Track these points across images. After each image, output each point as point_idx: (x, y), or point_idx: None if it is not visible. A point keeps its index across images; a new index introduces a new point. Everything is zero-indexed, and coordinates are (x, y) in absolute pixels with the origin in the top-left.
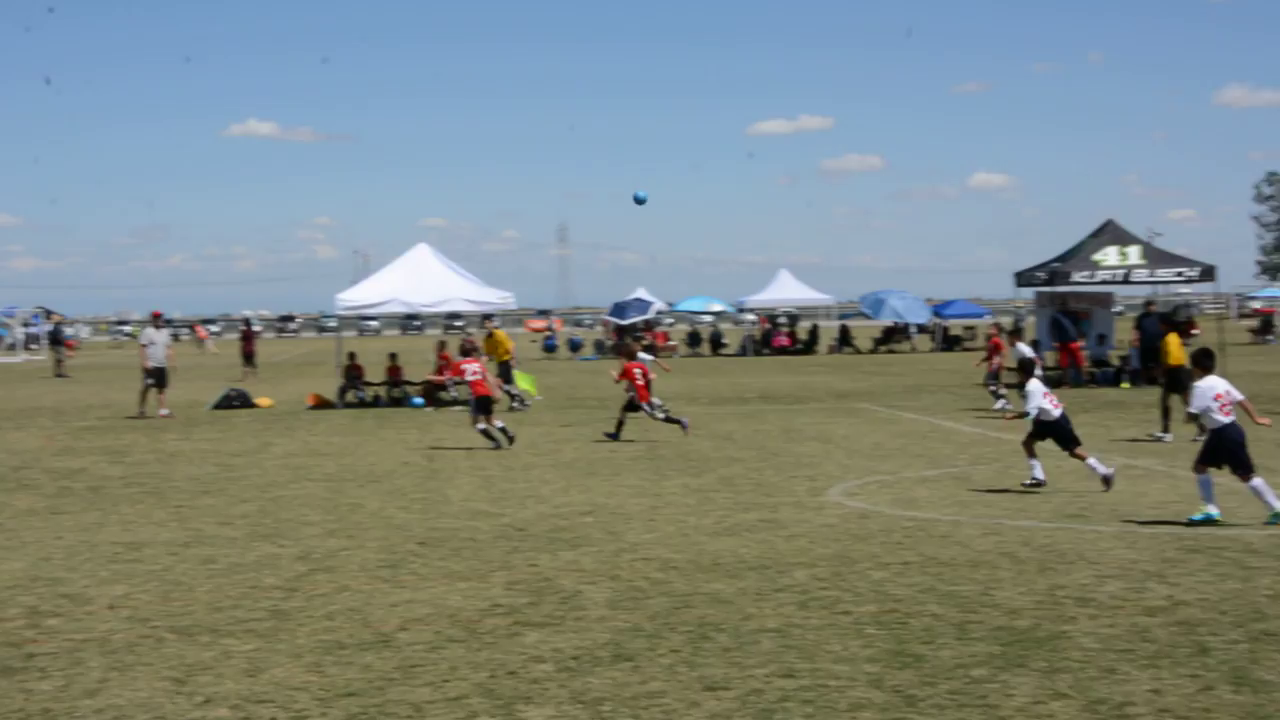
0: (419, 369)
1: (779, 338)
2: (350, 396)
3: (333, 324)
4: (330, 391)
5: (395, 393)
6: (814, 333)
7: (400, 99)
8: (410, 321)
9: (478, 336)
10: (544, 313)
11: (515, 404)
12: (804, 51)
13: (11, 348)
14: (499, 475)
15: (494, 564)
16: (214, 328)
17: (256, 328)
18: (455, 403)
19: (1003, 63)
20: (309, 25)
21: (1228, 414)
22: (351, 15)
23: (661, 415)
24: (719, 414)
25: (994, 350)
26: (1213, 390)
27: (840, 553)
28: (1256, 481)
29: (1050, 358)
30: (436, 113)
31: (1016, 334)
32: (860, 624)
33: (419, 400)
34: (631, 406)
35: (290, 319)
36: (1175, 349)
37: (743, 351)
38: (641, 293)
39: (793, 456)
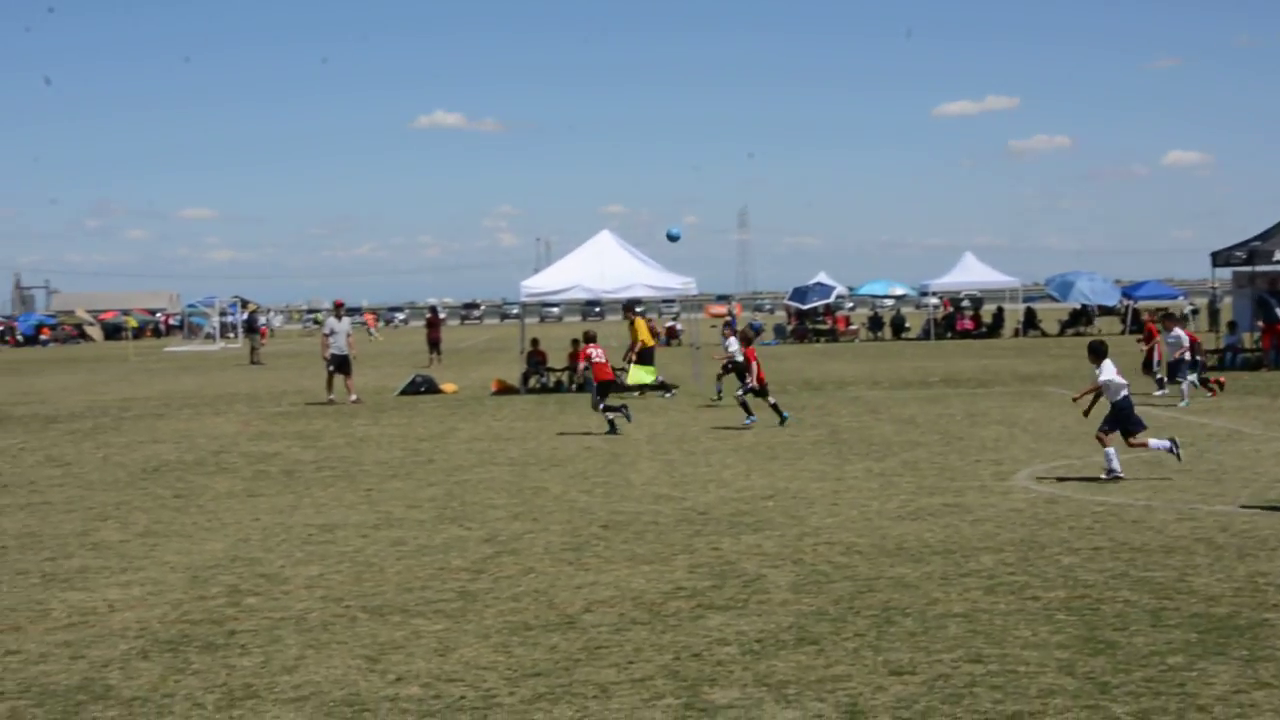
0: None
1: (962, 321)
2: (533, 382)
3: (515, 311)
4: (514, 377)
5: (577, 378)
6: (999, 316)
7: (582, 87)
8: (591, 308)
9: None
10: (724, 298)
11: (667, 394)
12: (990, 30)
13: (209, 336)
14: (680, 459)
15: (676, 547)
16: (400, 315)
17: (441, 315)
18: (628, 388)
19: (1197, 37)
20: (495, 18)
21: None
22: (536, 5)
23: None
24: (901, 398)
25: (1149, 336)
26: None
27: (1028, 537)
28: None
29: (1248, 339)
30: (618, 100)
31: (1173, 320)
32: (1050, 610)
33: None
34: (760, 392)
35: (474, 306)
36: None
37: (925, 335)
38: (822, 277)
39: (977, 440)
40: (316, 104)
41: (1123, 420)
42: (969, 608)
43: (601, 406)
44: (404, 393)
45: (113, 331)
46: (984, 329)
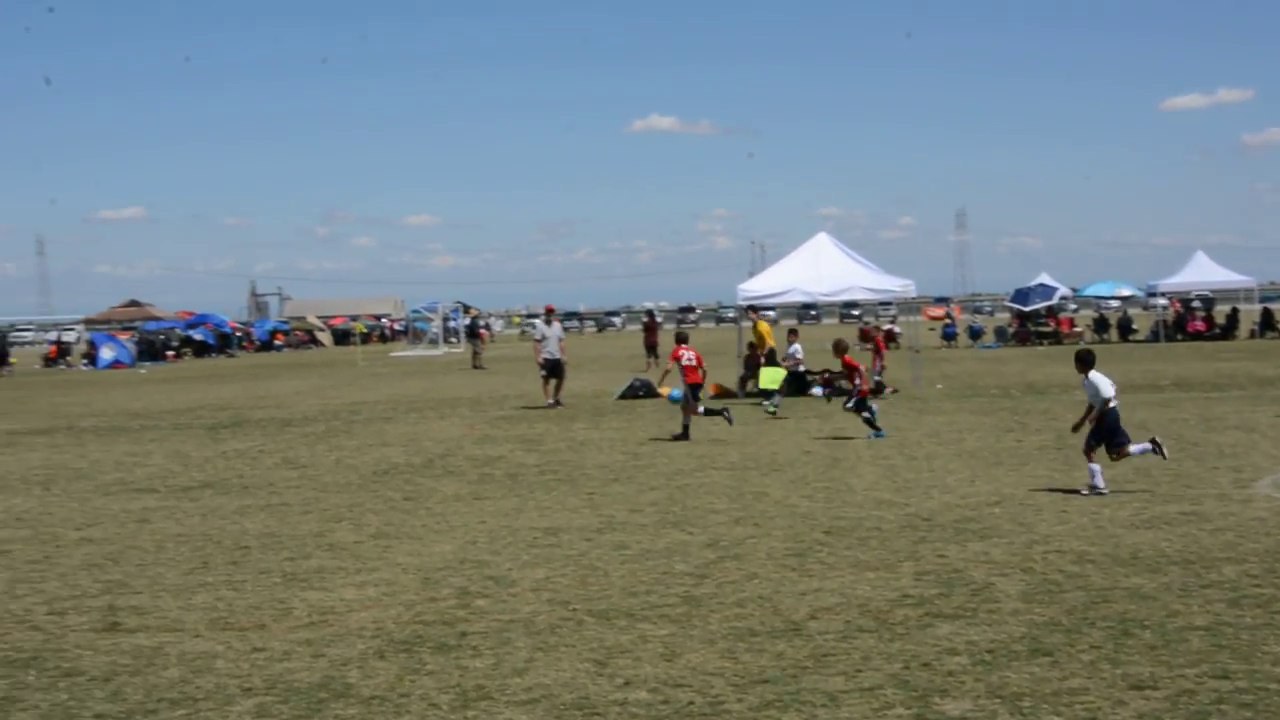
0: (818, 358)
1: (1194, 323)
2: (750, 386)
3: (730, 314)
4: (730, 381)
5: (795, 383)
6: (1233, 317)
7: (797, 90)
8: (807, 310)
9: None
10: (942, 300)
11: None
12: (1221, 21)
13: (433, 341)
14: (902, 465)
15: (901, 554)
16: (617, 319)
17: (658, 319)
18: (844, 393)
19: None
20: (709, 21)
21: None
22: (750, 11)
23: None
24: (1130, 402)
25: None
26: None
27: (1274, 548)
28: None
29: None
30: (832, 103)
31: None
32: None
33: (819, 389)
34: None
35: (690, 309)
36: None
37: (1154, 337)
38: (1044, 278)
39: (1214, 446)
40: (535, 112)
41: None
42: (1212, 621)
43: (703, 410)
44: (622, 397)
45: (342, 337)
46: (1217, 331)
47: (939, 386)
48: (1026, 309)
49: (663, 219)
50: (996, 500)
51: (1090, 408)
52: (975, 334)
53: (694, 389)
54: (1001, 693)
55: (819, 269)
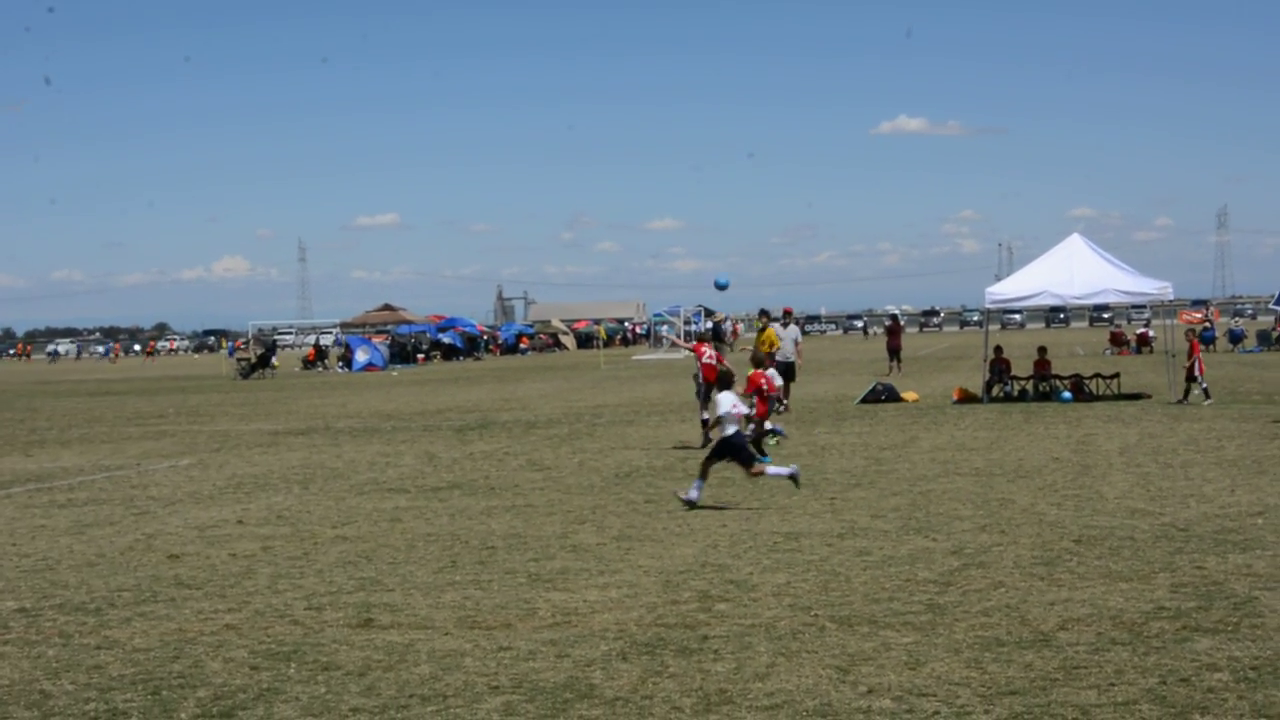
0: (1067, 362)
1: None
2: (996, 390)
3: (975, 318)
4: (975, 385)
5: (1043, 387)
6: None
7: (1048, 88)
8: (1055, 314)
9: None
10: (1200, 303)
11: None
12: None
13: (674, 345)
14: (1156, 472)
15: (1156, 565)
16: (859, 323)
17: (901, 322)
18: (1100, 398)
19: None
20: (958, 21)
21: None
22: (999, 10)
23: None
24: None
25: None
26: None
27: None
28: None
29: None
30: (1086, 101)
31: None
32: None
33: (1068, 395)
34: None
35: (934, 313)
36: None
37: None
38: None
39: None
40: (779, 113)
41: None
42: None
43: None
44: (864, 401)
45: (585, 340)
46: None
47: (1196, 392)
48: None
49: (907, 221)
50: (1260, 511)
51: None
52: (1236, 338)
53: (710, 387)
54: (1268, 712)
55: (1072, 271)
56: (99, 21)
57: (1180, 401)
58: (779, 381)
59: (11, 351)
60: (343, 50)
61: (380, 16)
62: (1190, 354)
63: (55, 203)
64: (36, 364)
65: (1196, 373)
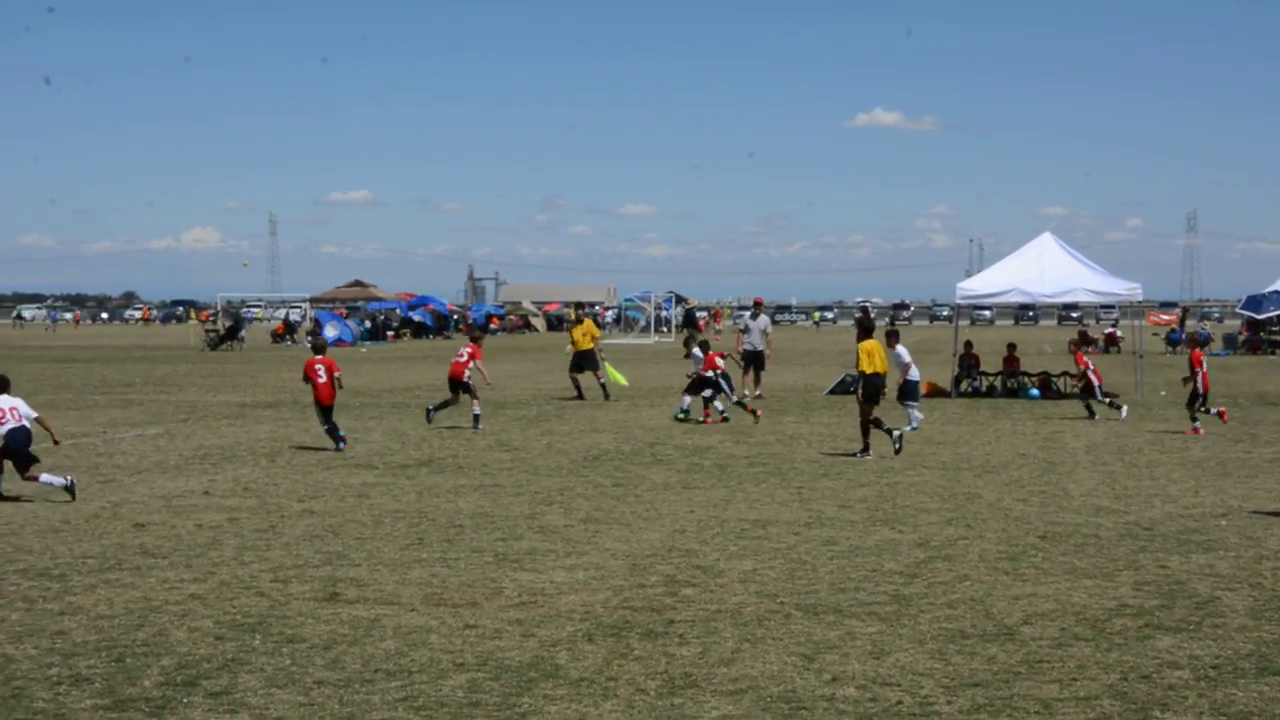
0: (1036, 360)
1: None
2: (965, 385)
3: (945, 313)
4: (944, 379)
5: (1011, 383)
6: None
7: (1025, 86)
8: (1025, 312)
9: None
10: (1168, 305)
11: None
12: None
13: (644, 329)
14: (1121, 471)
15: (1120, 562)
16: (829, 314)
17: (872, 314)
18: (1068, 396)
19: None
20: (935, 16)
21: None
22: (977, 8)
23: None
24: None
25: None
26: None
27: None
28: None
29: None
30: (1062, 103)
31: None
32: None
33: (1035, 392)
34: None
35: (904, 307)
36: None
37: None
38: None
39: None
40: (754, 104)
41: None
42: None
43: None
44: (833, 392)
45: (555, 323)
46: None
47: (1162, 394)
48: (1260, 316)
49: (881, 215)
50: (1223, 512)
51: None
52: (1203, 341)
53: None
54: (1227, 710)
55: (1042, 269)
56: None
57: (1193, 431)
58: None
59: None
60: (340, 48)
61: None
62: (1192, 369)
63: (55, 202)
64: (2, 329)
65: (1201, 388)
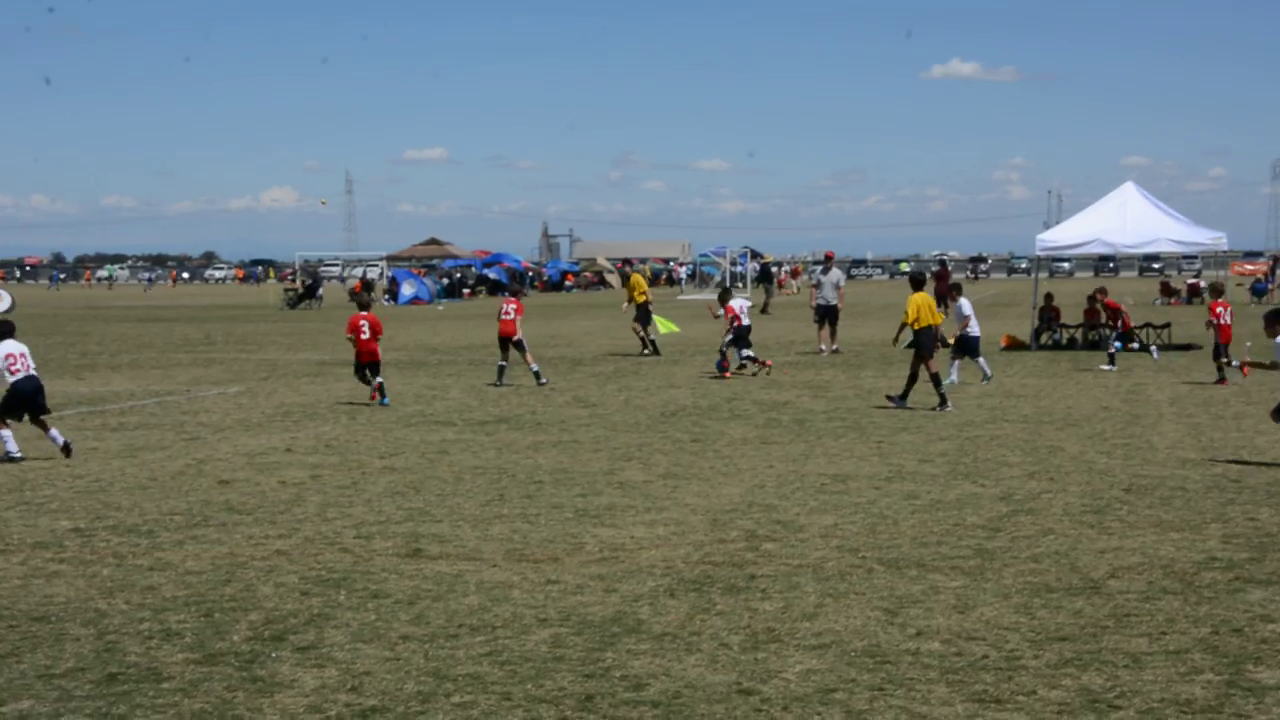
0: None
1: None
2: (1045, 338)
3: (1023, 265)
4: (1023, 332)
5: (1092, 335)
6: None
7: (1109, 36)
8: (1105, 263)
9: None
10: (1253, 255)
11: (648, 350)
12: None
13: (720, 284)
14: (1207, 423)
15: (1207, 515)
16: (905, 267)
17: (949, 268)
18: (1144, 348)
19: None
20: None
21: None
22: None
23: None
24: None
25: None
26: None
27: None
28: None
29: None
30: (1136, 52)
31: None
32: None
33: (1118, 344)
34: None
35: (981, 260)
36: None
37: None
38: None
39: None
40: (829, 58)
41: None
42: None
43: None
44: (910, 346)
45: (628, 279)
46: None
47: (1248, 345)
48: None
49: (957, 167)
50: None
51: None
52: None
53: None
54: None
55: (1124, 220)
56: None
57: (1218, 381)
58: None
59: (61, 276)
60: (412, 8)
61: None
62: (1211, 317)
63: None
64: (96, 289)
65: (1220, 339)
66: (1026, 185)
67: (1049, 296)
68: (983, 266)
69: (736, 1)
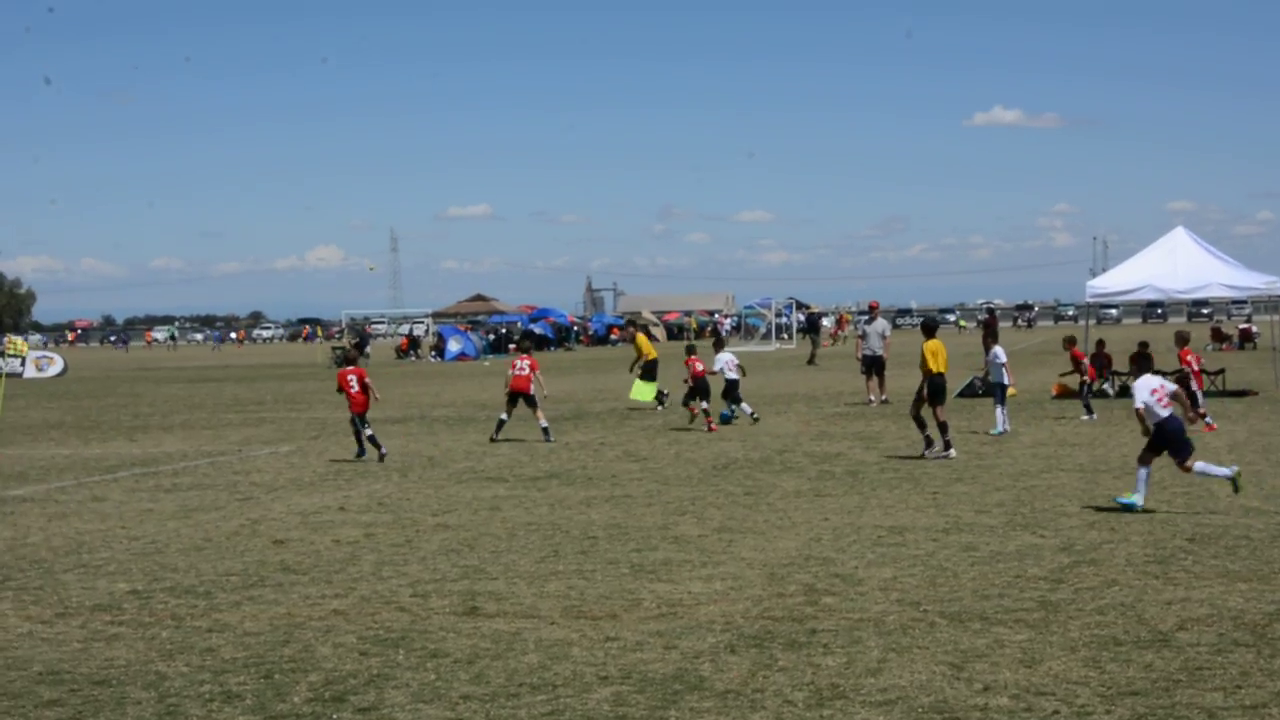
0: (1167, 358)
1: None
2: (1097, 386)
3: (1070, 312)
4: (1074, 380)
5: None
6: None
7: (1149, 79)
8: (1153, 309)
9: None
10: None
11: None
12: None
13: (766, 336)
14: (1268, 470)
15: (1275, 564)
16: (951, 316)
17: (997, 315)
18: (1208, 394)
19: None
20: (1055, 10)
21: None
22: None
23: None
24: None
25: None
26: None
27: None
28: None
29: None
30: (1186, 93)
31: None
32: None
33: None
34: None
35: (1028, 308)
36: None
37: None
38: None
39: None
40: (871, 104)
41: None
42: None
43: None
44: (961, 395)
45: (675, 332)
46: None
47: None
48: None
49: (1000, 214)
50: None
51: None
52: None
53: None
54: None
55: (1175, 265)
56: (203, 14)
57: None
58: (703, 366)
59: (118, 339)
60: (451, 59)
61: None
62: (1181, 368)
63: (152, 205)
64: (155, 350)
65: (1194, 386)
66: (1071, 232)
67: (1101, 343)
68: (1029, 314)
69: (777, 51)
